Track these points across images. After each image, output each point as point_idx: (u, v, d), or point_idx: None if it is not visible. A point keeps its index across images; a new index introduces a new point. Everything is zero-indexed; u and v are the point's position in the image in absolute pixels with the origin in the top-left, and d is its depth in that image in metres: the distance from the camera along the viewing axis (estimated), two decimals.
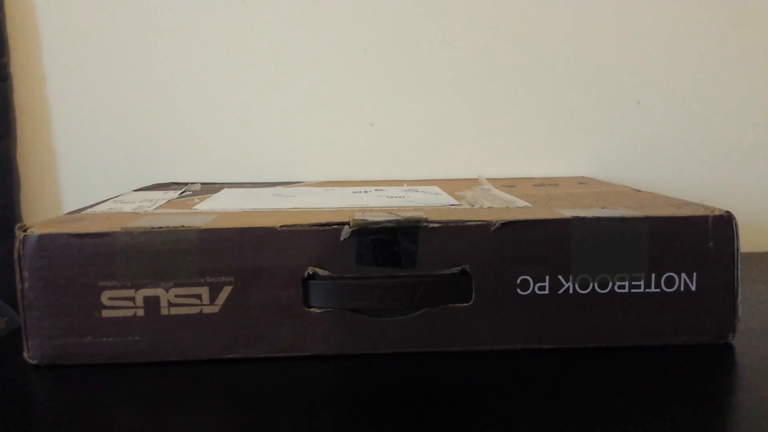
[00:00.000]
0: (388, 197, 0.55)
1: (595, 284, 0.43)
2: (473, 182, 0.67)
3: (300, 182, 0.71)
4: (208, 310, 0.42)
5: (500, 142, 0.74)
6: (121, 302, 0.42)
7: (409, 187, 0.63)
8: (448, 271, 0.43)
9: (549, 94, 0.74)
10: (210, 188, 0.65)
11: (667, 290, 0.44)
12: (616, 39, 0.73)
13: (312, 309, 0.43)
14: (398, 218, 0.42)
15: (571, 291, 0.43)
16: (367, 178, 0.74)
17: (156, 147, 0.73)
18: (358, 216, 0.43)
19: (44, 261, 0.41)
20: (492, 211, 0.47)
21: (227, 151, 0.73)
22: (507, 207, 0.49)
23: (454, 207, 0.50)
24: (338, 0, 0.72)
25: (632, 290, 0.43)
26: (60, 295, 0.41)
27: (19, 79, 0.71)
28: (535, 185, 0.64)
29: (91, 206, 0.52)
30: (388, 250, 0.42)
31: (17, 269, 0.41)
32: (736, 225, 0.43)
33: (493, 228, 0.43)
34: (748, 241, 0.76)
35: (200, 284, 0.42)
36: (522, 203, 0.51)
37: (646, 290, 0.44)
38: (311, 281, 0.42)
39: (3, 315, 0.52)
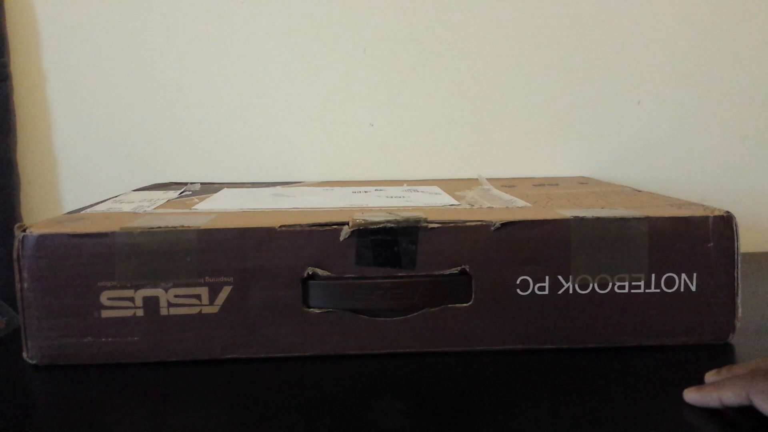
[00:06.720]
0: (387, 197, 0.55)
1: (595, 284, 0.43)
2: (473, 182, 0.67)
3: (300, 182, 0.71)
4: (207, 310, 0.42)
5: (500, 142, 0.74)
6: (120, 302, 0.42)
7: (409, 187, 0.63)
8: (447, 271, 0.43)
9: (549, 94, 0.74)
10: (210, 188, 0.65)
11: (667, 290, 0.44)
12: (616, 39, 0.73)
13: (312, 309, 0.43)
14: (398, 218, 0.42)
15: (571, 291, 0.43)
16: (367, 178, 0.74)
17: (156, 147, 0.73)
18: (358, 216, 0.43)
19: (44, 261, 0.41)
20: (492, 211, 0.47)
21: (227, 151, 0.73)
22: (507, 207, 0.49)
23: (454, 207, 0.50)
24: (338, 0, 0.72)
25: (632, 290, 0.43)
26: (60, 295, 0.41)
27: (19, 79, 0.71)
28: (535, 185, 0.64)
29: (91, 206, 0.52)
30: (388, 250, 0.42)
31: (17, 269, 0.41)
32: (736, 225, 0.43)
33: (493, 228, 0.43)
34: (748, 241, 0.76)
35: (200, 284, 0.42)
36: (522, 203, 0.51)
37: (646, 290, 0.44)
38: (311, 281, 0.42)
39: (3, 315, 0.52)
